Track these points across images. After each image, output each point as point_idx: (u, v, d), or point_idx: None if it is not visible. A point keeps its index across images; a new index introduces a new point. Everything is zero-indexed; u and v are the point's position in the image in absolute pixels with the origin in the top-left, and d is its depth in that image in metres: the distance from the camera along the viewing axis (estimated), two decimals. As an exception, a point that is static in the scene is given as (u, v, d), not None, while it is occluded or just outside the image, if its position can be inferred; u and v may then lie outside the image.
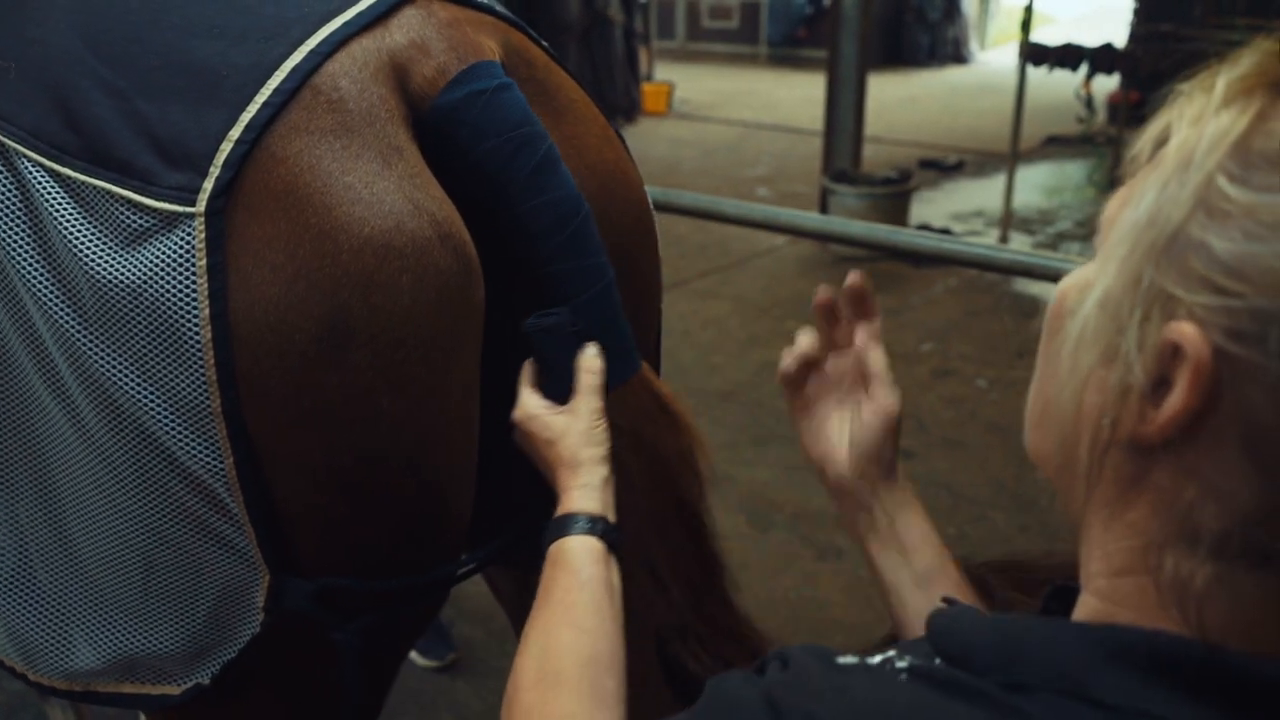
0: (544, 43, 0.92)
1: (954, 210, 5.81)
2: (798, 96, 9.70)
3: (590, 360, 0.81)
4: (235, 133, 0.70)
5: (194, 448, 0.72)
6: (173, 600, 0.80)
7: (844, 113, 5.20)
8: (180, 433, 0.72)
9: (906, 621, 0.73)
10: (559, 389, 0.82)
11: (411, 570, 0.83)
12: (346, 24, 0.75)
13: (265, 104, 0.70)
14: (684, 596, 0.80)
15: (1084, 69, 5.82)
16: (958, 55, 12.23)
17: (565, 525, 0.74)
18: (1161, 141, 0.45)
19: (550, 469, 0.79)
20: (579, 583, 0.70)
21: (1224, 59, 0.45)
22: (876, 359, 0.76)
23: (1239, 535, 0.41)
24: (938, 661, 0.47)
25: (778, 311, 4.32)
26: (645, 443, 0.82)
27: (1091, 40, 6.00)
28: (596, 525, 0.74)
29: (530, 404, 0.82)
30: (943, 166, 6.81)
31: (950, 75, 11.51)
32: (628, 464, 0.80)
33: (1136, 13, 7.03)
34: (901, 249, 2.11)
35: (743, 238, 5.00)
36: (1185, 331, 0.40)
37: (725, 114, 9.12)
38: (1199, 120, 0.43)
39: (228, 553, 0.77)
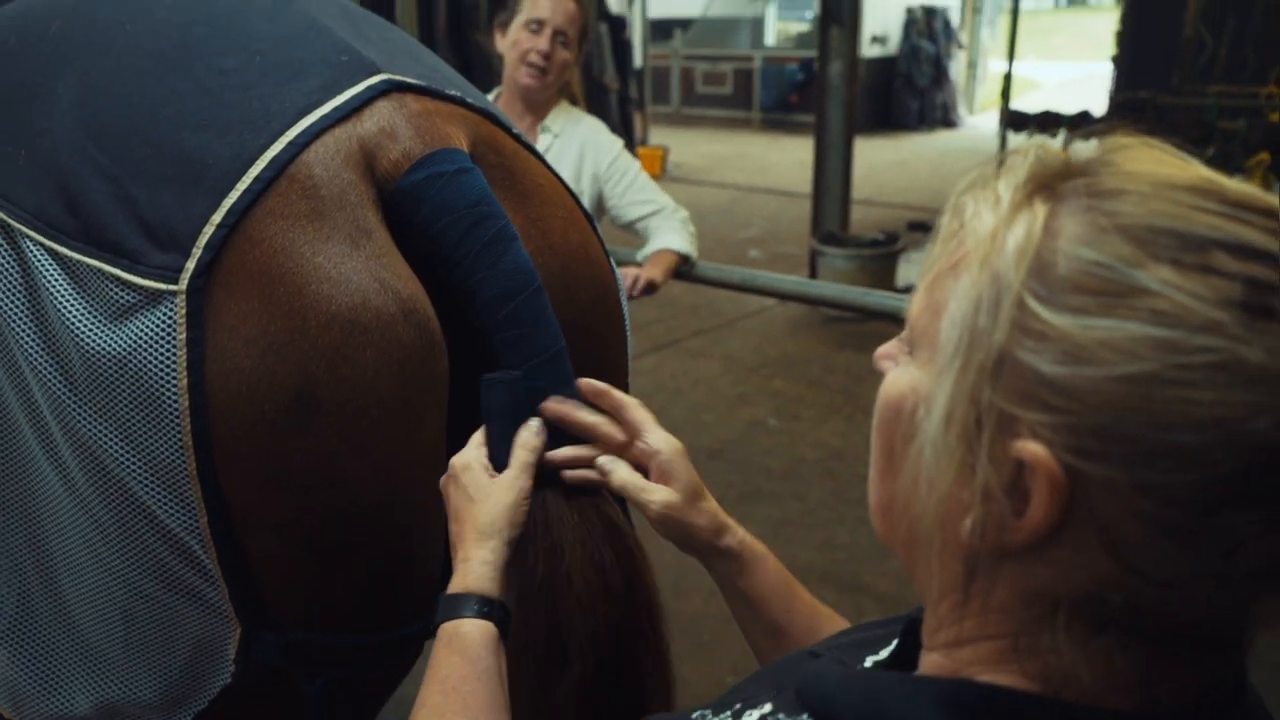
0: (515, 130, 0.98)
1: (941, 271, 5.90)
2: (790, 160, 9.88)
3: (528, 436, 0.80)
4: (217, 217, 0.76)
5: (171, 507, 0.77)
6: (151, 651, 0.85)
7: (831, 178, 5.32)
8: (159, 492, 0.77)
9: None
10: (500, 454, 0.80)
11: (380, 627, 0.87)
12: (324, 116, 0.81)
13: (245, 191, 0.77)
14: None
15: (1062, 135, 6.00)
16: (946, 120, 12.46)
17: (460, 605, 0.72)
18: (953, 235, 0.48)
19: (460, 527, 0.77)
20: (476, 673, 0.69)
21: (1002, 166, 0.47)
22: (643, 453, 0.81)
23: (1099, 610, 0.42)
24: (805, 718, 0.50)
25: (767, 371, 4.38)
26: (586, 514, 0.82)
27: (1070, 107, 6.18)
28: (494, 610, 0.72)
29: (471, 456, 0.80)
30: (930, 228, 6.92)
31: (939, 139, 11.72)
32: (568, 543, 0.80)
33: (1116, 79, 7.23)
34: (872, 310, 2.18)
35: (733, 299, 5.07)
36: (1035, 451, 0.41)
37: (719, 177, 9.29)
38: (994, 234, 0.45)
39: (202, 606, 0.81)
